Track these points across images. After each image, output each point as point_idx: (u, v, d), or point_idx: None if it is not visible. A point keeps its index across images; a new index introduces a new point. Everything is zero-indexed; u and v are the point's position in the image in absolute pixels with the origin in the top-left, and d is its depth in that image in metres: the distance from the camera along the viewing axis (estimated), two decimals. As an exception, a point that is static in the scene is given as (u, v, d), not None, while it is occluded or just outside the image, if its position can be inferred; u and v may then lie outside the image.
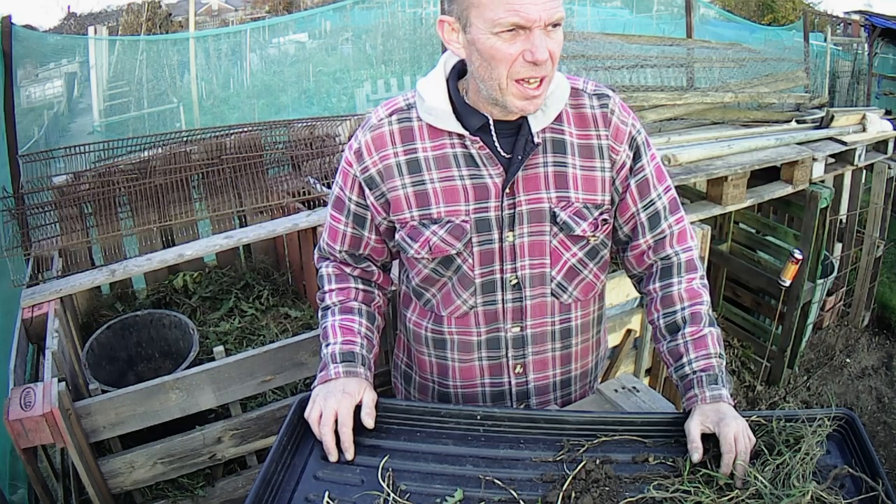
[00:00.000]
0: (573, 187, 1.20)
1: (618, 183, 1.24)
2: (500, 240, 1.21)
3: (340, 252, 1.31)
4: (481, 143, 1.17)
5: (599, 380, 1.46)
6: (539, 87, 1.08)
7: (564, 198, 1.20)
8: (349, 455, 1.10)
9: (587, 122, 1.21)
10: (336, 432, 1.11)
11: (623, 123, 1.22)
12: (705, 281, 1.29)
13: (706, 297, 1.26)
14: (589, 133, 1.21)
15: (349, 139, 1.34)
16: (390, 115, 1.22)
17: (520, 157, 1.17)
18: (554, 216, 1.20)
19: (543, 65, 1.05)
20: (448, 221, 1.19)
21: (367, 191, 1.23)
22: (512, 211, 1.19)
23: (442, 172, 1.19)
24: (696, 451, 1.08)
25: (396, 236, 1.25)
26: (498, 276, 1.23)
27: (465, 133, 1.17)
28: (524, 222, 1.20)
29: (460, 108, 1.18)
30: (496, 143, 1.18)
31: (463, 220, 1.19)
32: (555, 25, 1.05)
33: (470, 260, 1.22)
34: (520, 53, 1.04)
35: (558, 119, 1.20)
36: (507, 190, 1.18)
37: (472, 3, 1.04)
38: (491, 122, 1.17)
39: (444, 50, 1.20)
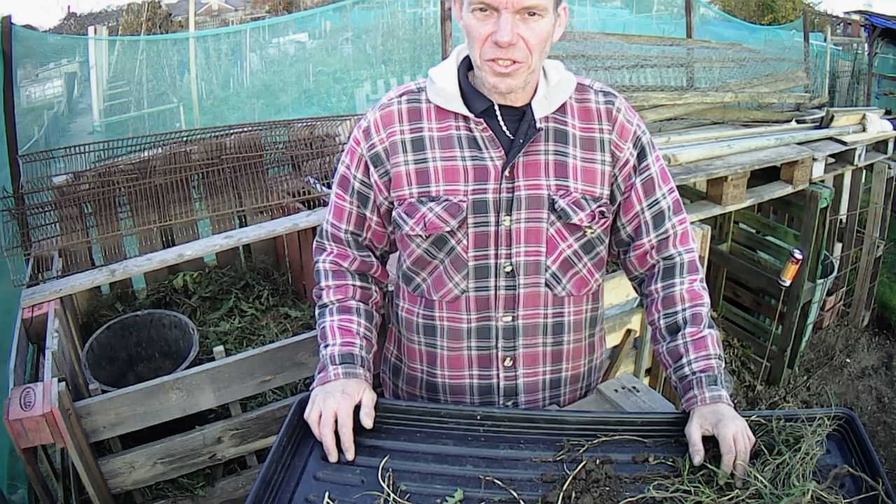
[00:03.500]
0: (573, 177, 1.22)
1: (621, 181, 1.25)
2: (497, 223, 1.22)
3: (346, 232, 1.32)
4: (485, 126, 1.19)
5: (592, 388, 1.45)
6: (510, 66, 1.11)
7: (563, 186, 1.22)
8: (349, 455, 1.10)
9: (591, 116, 1.24)
10: (336, 433, 1.11)
11: (628, 122, 1.25)
12: (705, 283, 1.30)
13: (706, 299, 1.27)
14: (592, 126, 1.23)
15: (349, 138, 1.35)
16: (400, 95, 1.26)
17: (521, 141, 1.19)
18: (552, 203, 1.21)
19: (509, 48, 1.09)
20: (445, 200, 1.21)
21: (371, 169, 1.26)
22: (510, 195, 1.20)
23: (445, 152, 1.21)
24: (698, 454, 1.08)
25: (394, 213, 1.26)
26: (492, 261, 1.24)
27: (470, 115, 1.20)
28: (522, 207, 1.21)
29: (467, 92, 1.21)
30: (502, 126, 1.20)
31: (460, 200, 1.21)
32: (531, 14, 1.08)
33: (464, 241, 1.23)
34: (489, 34, 1.09)
35: (562, 111, 1.22)
36: (507, 173, 1.20)
37: None
38: (496, 105, 1.19)
39: (444, 51, 1.22)
